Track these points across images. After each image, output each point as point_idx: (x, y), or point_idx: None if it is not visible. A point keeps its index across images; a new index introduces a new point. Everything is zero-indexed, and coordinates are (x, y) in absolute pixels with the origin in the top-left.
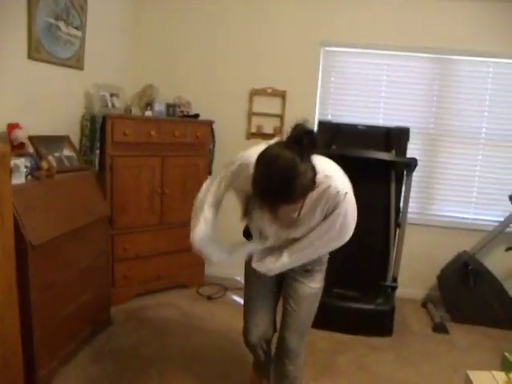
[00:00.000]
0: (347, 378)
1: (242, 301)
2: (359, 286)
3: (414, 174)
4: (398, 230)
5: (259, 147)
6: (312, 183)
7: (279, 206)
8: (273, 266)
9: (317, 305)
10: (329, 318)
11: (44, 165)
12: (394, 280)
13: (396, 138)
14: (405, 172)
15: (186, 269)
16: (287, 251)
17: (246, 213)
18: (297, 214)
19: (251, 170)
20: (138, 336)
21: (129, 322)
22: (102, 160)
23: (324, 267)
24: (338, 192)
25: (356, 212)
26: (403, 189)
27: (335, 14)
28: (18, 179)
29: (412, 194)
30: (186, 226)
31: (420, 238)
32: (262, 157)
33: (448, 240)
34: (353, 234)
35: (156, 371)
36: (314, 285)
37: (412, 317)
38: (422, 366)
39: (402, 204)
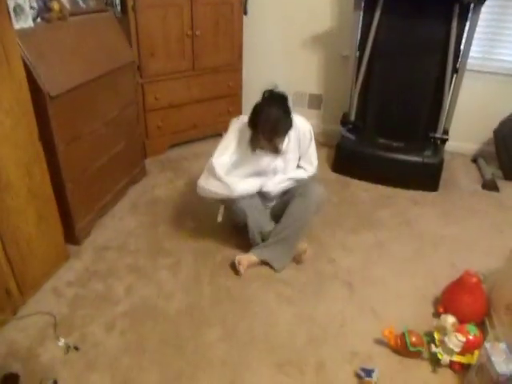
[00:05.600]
0: (388, 232)
1: None
2: (406, 136)
3: (483, 9)
4: (455, 77)
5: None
6: (291, 123)
7: (275, 139)
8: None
9: None
10: (372, 169)
11: (54, 5)
12: (445, 132)
13: None
14: (471, 6)
15: (223, 117)
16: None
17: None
18: (285, 144)
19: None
20: (174, 186)
21: (164, 173)
22: (123, 0)
23: None
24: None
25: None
26: (466, 28)
27: None
28: (25, 22)
29: (476, 35)
30: (220, 71)
31: (479, 86)
32: (260, 108)
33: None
34: (401, 77)
35: (190, 219)
36: None
37: (461, 172)
38: (466, 223)
39: (462, 46)
